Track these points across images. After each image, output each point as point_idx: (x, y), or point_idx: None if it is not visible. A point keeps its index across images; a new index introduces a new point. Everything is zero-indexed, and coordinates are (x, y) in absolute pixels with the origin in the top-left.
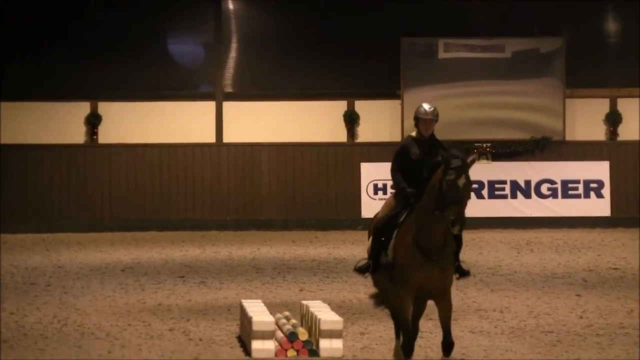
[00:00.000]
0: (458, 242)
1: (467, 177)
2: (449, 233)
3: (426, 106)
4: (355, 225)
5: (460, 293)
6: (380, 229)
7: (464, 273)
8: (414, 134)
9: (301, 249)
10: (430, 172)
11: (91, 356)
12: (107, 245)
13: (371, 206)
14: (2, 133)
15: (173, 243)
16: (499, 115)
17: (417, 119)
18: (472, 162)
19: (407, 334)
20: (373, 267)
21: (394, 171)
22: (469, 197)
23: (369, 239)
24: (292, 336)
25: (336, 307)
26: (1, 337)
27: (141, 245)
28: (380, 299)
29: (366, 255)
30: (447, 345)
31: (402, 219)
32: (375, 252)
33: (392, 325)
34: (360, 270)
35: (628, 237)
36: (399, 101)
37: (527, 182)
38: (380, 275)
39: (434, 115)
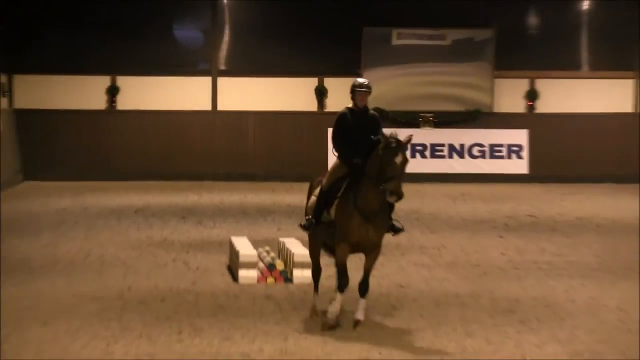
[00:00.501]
0: (391, 205)
1: (404, 155)
2: (384, 199)
3: (360, 80)
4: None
5: (406, 234)
6: (325, 192)
7: (397, 230)
8: (349, 105)
9: (279, 197)
10: (372, 146)
11: (109, 280)
12: (122, 191)
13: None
14: (38, 100)
15: (175, 191)
16: (441, 91)
17: (353, 91)
18: (407, 142)
19: (343, 274)
20: (314, 224)
21: (336, 140)
22: (404, 173)
23: (307, 200)
24: (271, 267)
25: (306, 243)
26: None
27: (149, 192)
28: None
29: (307, 215)
30: (364, 286)
31: (345, 184)
32: (319, 211)
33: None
34: (305, 227)
35: (542, 190)
36: (357, 79)
37: (462, 146)
38: (318, 230)
39: (368, 88)
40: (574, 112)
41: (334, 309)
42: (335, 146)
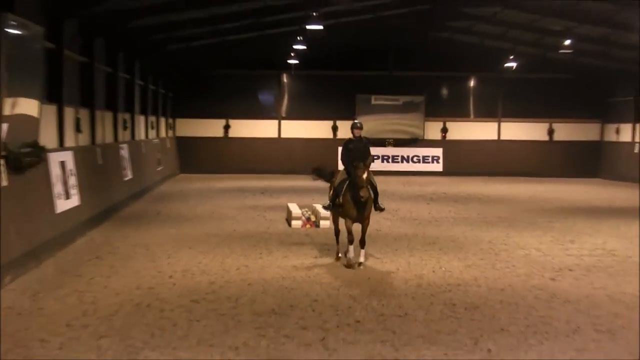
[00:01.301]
0: (375, 194)
1: (369, 172)
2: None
3: (356, 121)
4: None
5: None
6: (336, 187)
7: (380, 209)
8: (351, 136)
9: (312, 183)
10: (360, 160)
11: (224, 225)
12: (231, 180)
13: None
14: (187, 131)
15: (258, 179)
16: (397, 128)
17: (352, 128)
18: (368, 165)
19: (349, 235)
20: (332, 206)
21: (342, 157)
22: (367, 184)
23: (330, 192)
24: (308, 219)
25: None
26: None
27: (245, 180)
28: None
29: (328, 201)
30: (362, 241)
31: (346, 184)
32: (333, 198)
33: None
34: (325, 208)
35: (449, 180)
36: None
37: (408, 156)
38: (334, 209)
39: (360, 126)
40: (465, 139)
41: (349, 255)
42: (341, 160)
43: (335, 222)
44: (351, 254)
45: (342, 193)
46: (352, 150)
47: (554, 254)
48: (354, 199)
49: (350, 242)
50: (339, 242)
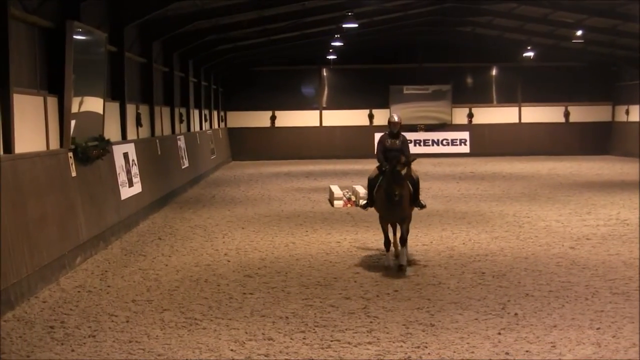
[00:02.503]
0: (416, 189)
1: (409, 169)
2: (407, 186)
3: (395, 115)
4: (371, 157)
5: None
6: (370, 183)
7: (420, 206)
8: (387, 131)
9: (351, 166)
10: (395, 155)
11: (272, 207)
12: (278, 165)
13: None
14: (238, 123)
15: (303, 164)
16: (427, 115)
17: (389, 122)
18: (410, 162)
19: (386, 239)
20: (369, 204)
21: (378, 153)
22: (404, 180)
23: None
24: (349, 199)
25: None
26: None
27: (291, 165)
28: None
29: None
30: (403, 240)
31: (380, 180)
32: (369, 196)
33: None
34: (363, 207)
35: (476, 161)
36: (388, 110)
37: (437, 140)
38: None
39: (399, 119)
40: (489, 123)
41: (387, 263)
42: (377, 157)
43: (384, 229)
44: (389, 261)
45: (376, 190)
46: (389, 147)
47: (573, 224)
48: (388, 196)
49: (387, 246)
50: (389, 240)
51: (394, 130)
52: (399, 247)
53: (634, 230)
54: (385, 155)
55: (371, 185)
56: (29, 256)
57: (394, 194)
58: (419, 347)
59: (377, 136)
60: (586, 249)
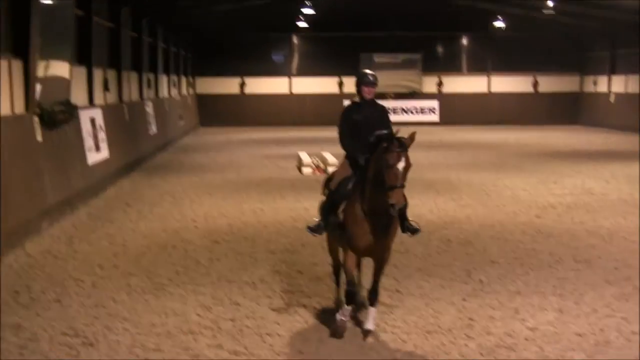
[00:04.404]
0: (402, 207)
1: (407, 160)
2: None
3: (369, 73)
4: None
5: None
6: (333, 193)
7: (413, 231)
8: (356, 99)
9: (321, 134)
10: (377, 140)
11: (241, 174)
12: (247, 132)
13: None
14: (207, 89)
15: (272, 131)
16: (397, 83)
17: (360, 84)
18: (412, 142)
19: (352, 284)
20: (324, 225)
21: (342, 137)
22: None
23: (323, 193)
24: (317, 166)
25: (335, 154)
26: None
27: (260, 132)
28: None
29: (317, 218)
30: (374, 294)
31: (351, 185)
32: (327, 212)
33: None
34: (313, 230)
35: (445, 129)
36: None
37: (407, 108)
38: (329, 231)
39: (376, 80)
40: (458, 92)
41: (340, 317)
42: (342, 142)
43: (334, 251)
44: (346, 316)
45: (347, 203)
46: (359, 122)
47: (539, 193)
48: (373, 212)
49: (351, 297)
50: (340, 283)
51: (366, 98)
52: (366, 304)
53: (598, 199)
54: (356, 137)
55: (335, 197)
56: None
57: (390, 206)
58: (384, 312)
59: (345, 103)
60: (551, 217)
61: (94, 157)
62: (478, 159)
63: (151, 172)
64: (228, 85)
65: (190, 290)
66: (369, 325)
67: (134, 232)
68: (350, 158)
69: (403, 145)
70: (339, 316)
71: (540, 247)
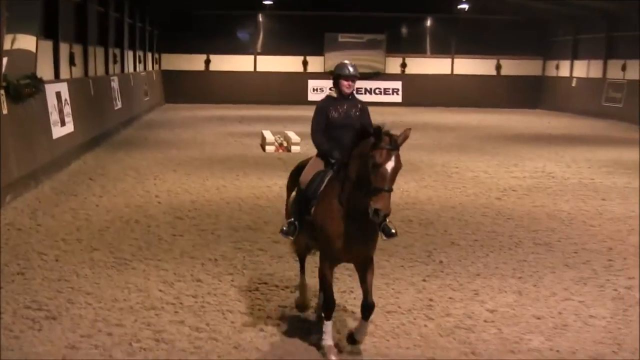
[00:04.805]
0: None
1: (398, 159)
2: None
3: (349, 65)
4: (304, 104)
5: None
6: (305, 190)
7: (390, 234)
8: (333, 94)
9: (285, 112)
10: (356, 137)
11: (205, 150)
12: (212, 109)
13: (311, 97)
14: (172, 65)
15: (237, 109)
16: (361, 63)
17: (338, 76)
18: (405, 140)
19: (329, 299)
20: (296, 229)
21: (315, 133)
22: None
23: (287, 192)
24: (281, 144)
25: (299, 133)
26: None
27: (225, 109)
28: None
29: (286, 220)
30: (367, 307)
31: (325, 181)
32: (298, 212)
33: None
34: (286, 233)
35: (408, 110)
36: (322, 57)
37: (370, 88)
38: (301, 232)
39: (357, 72)
40: (422, 73)
41: (327, 343)
42: (314, 139)
43: (300, 249)
44: (329, 339)
45: (322, 200)
46: (337, 120)
47: (500, 176)
48: (352, 214)
49: (331, 311)
50: (304, 272)
51: (345, 92)
52: (359, 322)
53: (558, 183)
54: (330, 135)
55: (307, 194)
56: None
57: (374, 211)
58: (345, 291)
59: (311, 82)
60: (512, 200)
61: (59, 131)
62: (440, 141)
63: (116, 147)
64: (193, 62)
65: (153, 266)
66: (359, 335)
67: (98, 207)
68: (324, 157)
69: (394, 143)
70: (325, 342)
71: (500, 229)
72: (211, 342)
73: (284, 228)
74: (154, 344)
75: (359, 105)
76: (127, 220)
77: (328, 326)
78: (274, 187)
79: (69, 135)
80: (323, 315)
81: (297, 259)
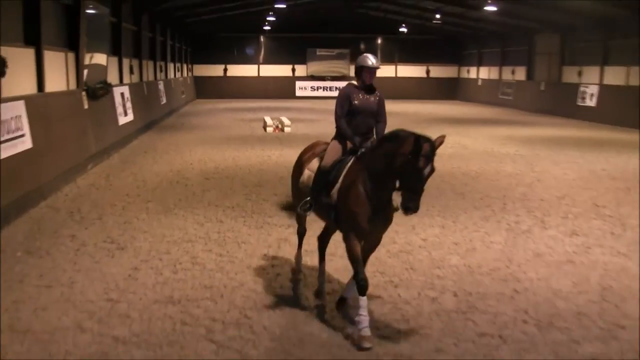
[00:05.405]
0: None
1: (433, 165)
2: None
3: (371, 57)
4: (293, 98)
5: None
6: (326, 172)
7: (409, 208)
8: (354, 82)
9: (280, 104)
10: (382, 138)
11: (224, 131)
12: (226, 103)
13: (298, 93)
14: (201, 72)
15: (245, 102)
16: (332, 69)
17: (361, 68)
18: (439, 146)
19: (361, 273)
20: (311, 207)
21: (339, 117)
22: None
23: (293, 174)
24: (277, 126)
25: (289, 118)
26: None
27: (237, 103)
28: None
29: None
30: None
31: (348, 166)
32: (318, 192)
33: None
34: (305, 211)
35: None
36: (305, 65)
37: (339, 87)
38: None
39: (378, 63)
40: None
41: (363, 319)
42: (338, 123)
43: (302, 225)
44: (366, 316)
45: (343, 184)
46: (359, 107)
47: None
48: (376, 201)
49: (366, 286)
50: (302, 245)
51: (367, 82)
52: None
53: (469, 151)
54: (352, 119)
55: (329, 177)
56: (55, 163)
57: (405, 208)
58: (293, 226)
59: (298, 84)
60: (438, 163)
61: (123, 120)
62: (392, 122)
63: (162, 130)
64: (215, 70)
65: (189, 212)
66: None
67: (150, 172)
68: (342, 139)
69: (434, 151)
70: (361, 325)
71: (430, 183)
72: (230, 264)
73: (302, 207)
74: (191, 265)
75: (377, 94)
76: (171, 181)
77: (364, 301)
78: (272, 156)
79: (130, 122)
80: (359, 291)
81: (298, 236)
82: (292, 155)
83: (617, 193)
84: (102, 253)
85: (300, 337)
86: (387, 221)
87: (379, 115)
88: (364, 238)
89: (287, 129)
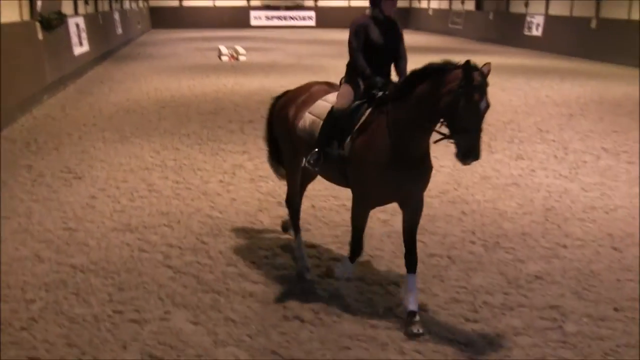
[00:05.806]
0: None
1: (487, 98)
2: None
3: None
4: (247, 27)
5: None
6: (339, 117)
7: (470, 157)
8: (368, 12)
9: (234, 34)
10: (420, 74)
11: (179, 60)
12: (181, 33)
13: (253, 23)
14: (152, 3)
15: (201, 32)
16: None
17: None
18: (488, 74)
19: (357, 242)
20: (321, 159)
21: (355, 53)
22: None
23: (267, 130)
24: (232, 55)
25: (244, 47)
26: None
27: (191, 33)
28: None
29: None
30: (411, 257)
31: (366, 114)
32: (328, 140)
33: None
34: (314, 166)
35: (319, 31)
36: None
37: (293, 17)
38: (322, 165)
39: None
40: (329, 6)
41: (341, 272)
42: (356, 60)
43: (297, 191)
44: (345, 272)
45: (361, 136)
46: (377, 44)
47: None
48: (399, 155)
49: (358, 253)
50: (299, 225)
51: (387, 12)
52: (405, 277)
53: None
54: (370, 58)
55: (338, 122)
56: (10, 94)
57: (469, 156)
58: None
59: (252, 14)
60: None
61: (78, 50)
62: (342, 50)
63: (118, 60)
64: (171, 0)
65: (146, 140)
66: (412, 305)
67: (107, 101)
68: (354, 81)
69: (485, 80)
70: (337, 269)
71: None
72: (187, 190)
73: (310, 160)
74: (148, 193)
75: (397, 29)
76: (127, 110)
77: (348, 264)
78: (228, 84)
79: (85, 53)
80: (349, 256)
81: (292, 213)
82: (246, 83)
83: (560, 119)
84: (59, 183)
85: (255, 260)
86: (424, 179)
87: (401, 53)
88: (387, 202)
89: (241, 58)
